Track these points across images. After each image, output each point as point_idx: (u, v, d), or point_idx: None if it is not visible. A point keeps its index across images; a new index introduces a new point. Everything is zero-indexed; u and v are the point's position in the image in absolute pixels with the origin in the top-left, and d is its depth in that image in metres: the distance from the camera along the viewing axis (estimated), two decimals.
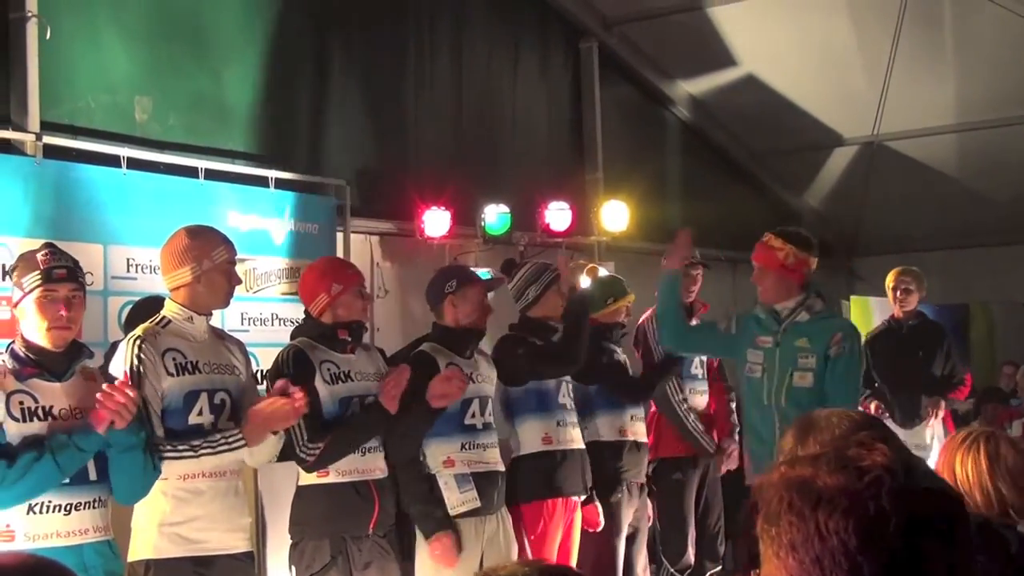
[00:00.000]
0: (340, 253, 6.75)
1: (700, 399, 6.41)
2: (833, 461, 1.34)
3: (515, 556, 5.06)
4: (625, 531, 5.82)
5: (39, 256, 3.61)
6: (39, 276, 3.57)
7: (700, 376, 6.45)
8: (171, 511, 3.93)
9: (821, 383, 4.90)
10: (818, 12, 8.87)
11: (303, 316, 4.82)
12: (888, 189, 10.32)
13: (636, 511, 5.89)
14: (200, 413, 3.98)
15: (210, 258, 4.04)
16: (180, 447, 3.92)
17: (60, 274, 3.59)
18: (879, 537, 1.28)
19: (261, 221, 6.41)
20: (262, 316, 6.30)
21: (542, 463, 5.29)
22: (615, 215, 8.51)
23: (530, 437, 5.32)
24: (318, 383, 4.53)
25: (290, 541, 4.55)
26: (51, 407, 3.53)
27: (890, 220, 10.70)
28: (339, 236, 6.97)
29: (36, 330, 3.57)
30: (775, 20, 8.97)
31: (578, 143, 9.24)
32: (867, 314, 8.71)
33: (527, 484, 5.22)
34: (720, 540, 6.49)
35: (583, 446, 5.46)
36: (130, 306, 5.11)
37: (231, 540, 4.04)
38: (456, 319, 5.07)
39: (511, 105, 8.70)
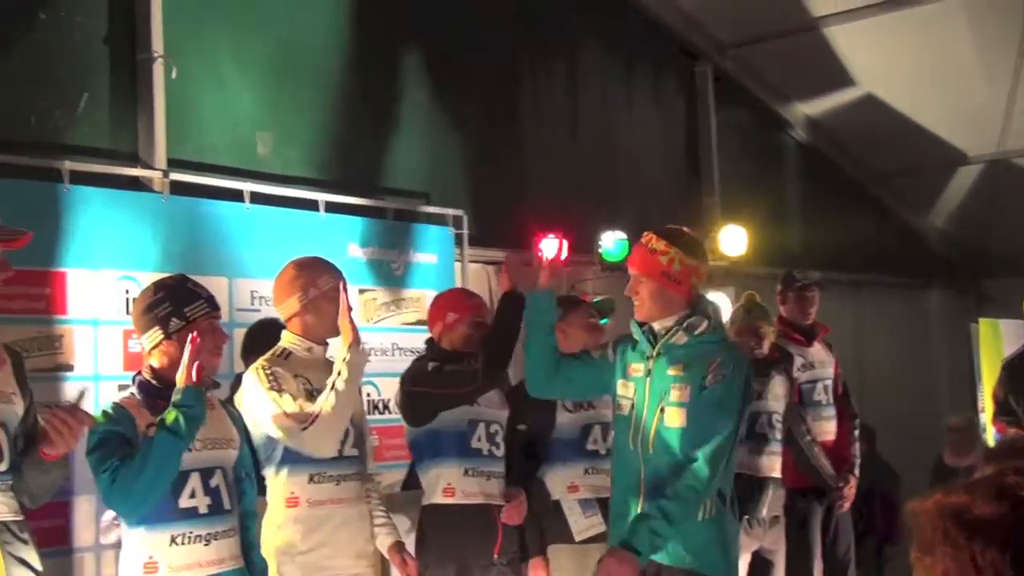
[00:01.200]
0: (458, 282, 6.79)
1: (826, 427, 6.23)
2: (990, 490, 1.28)
3: None
4: (743, 561, 5.65)
5: (190, 286, 3.66)
6: (205, 304, 3.61)
7: (825, 402, 6.27)
8: (300, 539, 3.98)
9: (696, 423, 3.92)
10: (937, 28, 8.68)
11: (425, 344, 4.87)
12: (1017, 207, 10.03)
13: (770, 541, 5.75)
14: None
15: (316, 286, 4.10)
16: (309, 475, 3.98)
17: (216, 302, 3.66)
18: None
19: (380, 252, 6.48)
20: (382, 346, 6.35)
21: None
22: (733, 239, 8.42)
23: None
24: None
25: None
26: None
27: (1021, 239, 10.40)
28: (457, 266, 7.01)
29: (199, 358, 3.59)
30: (893, 38, 8.80)
31: (694, 168, 9.18)
32: (997, 336, 8.46)
33: None
34: (851, 572, 6.31)
35: None
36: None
37: (357, 567, 4.07)
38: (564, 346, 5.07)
39: (626, 131, 8.69)
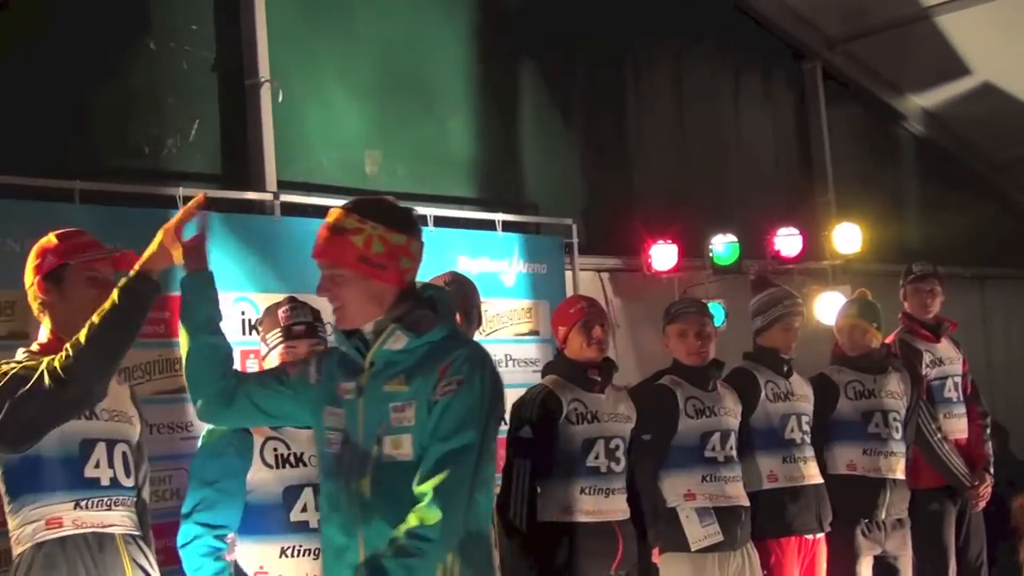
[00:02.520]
0: (569, 291, 6.77)
1: (956, 424, 6.06)
2: None
3: None
4: (865, 565, 5.51)
5: (280, 312, 3.72)
6: (280, 333, 3.69)
7: (955, 399, 6.09)
8: None
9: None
10: None
11: (555, 353, 4.88)
12: None
13: (893, 546, 5.60)
14: None
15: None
16: None
17: (299, 330, 3.69)
18: None
19: (491, 264, 6.49)
20: (496, 357, 6.33)
21: (770, 500, 5.12)
22: (848, 237, 8.25)
23: (759, 473, 5.17)
24: (562, 424, 4.55)
25: None
26: (301, 453, 3.63)
27: None
28: (567, 274, 6.99)
29: None
30: (1008, 23, 8.56)
31: (806, 166, 9.05)
32: None
33: (757, 521, 5.05)
34: (983, 575, 6.12)
35: (818, 481, 5.25)
36: None
37: None
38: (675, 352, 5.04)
39: (735, 132, 8.60)
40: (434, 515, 2.76)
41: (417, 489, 2.81)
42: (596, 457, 4.59)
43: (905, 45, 9.01)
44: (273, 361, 3.66)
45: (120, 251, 3.54)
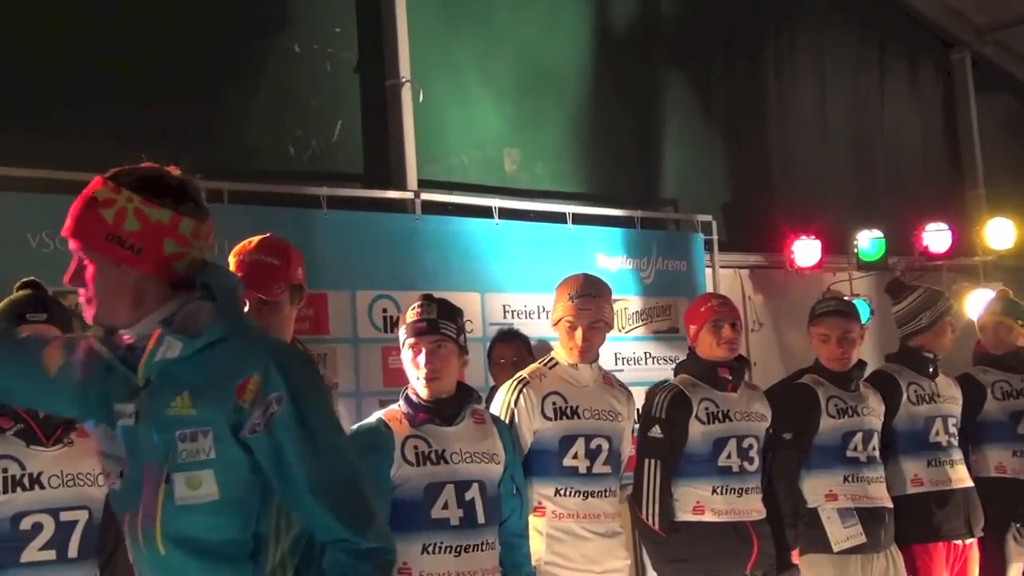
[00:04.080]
0: (710, 288, 6.72)
1: None
2: None
3: None
4: (1016, 571, 5.34)
5: (411, 311, 3.76)
6: (405, 331, 3.73)
7: None
8: (544, 549, 4.01)
9: (240, 487, 2.20)
10: None
11: (688, 351, 4.84)
12: None
13: None
14: (575, 456, 4.05)
15: (555, 310, 4.14)
16: (555, 488, 4.01)
17: (421, 327, 3.71)
18: None
19: (629, 262, 6.48)
20: (635, 355, 6.35)
21: (915, 504, 4.99)
22: (1000, 232, 8.02)
23: (902, 477, 5.05)
24: (692, 423, 4.51)
25: None
26: (443, 451, 3.66)
27: None
28: (708, 272, 6.93)
29: (413, 381, 3.74)
30: None
31: (955, 159, 8.82)
32: None
33: (902, 526, 4.93)
34: None
35: (967, 485, 5.10)
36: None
37: None
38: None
39: (880, 125, 8.42)
40: (370, 532, 2.25)
41: (330, 537, 2.24)
42: (728, 456, 4.54)
43: None
44: (405, 359, 3.67)
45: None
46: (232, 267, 3.45)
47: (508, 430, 3.88)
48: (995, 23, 8.76)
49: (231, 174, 5.30)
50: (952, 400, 5.21)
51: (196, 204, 2.31)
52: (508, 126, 6.60)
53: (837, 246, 7.41)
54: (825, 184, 7.90)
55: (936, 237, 7.63)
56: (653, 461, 4.50)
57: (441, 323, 3.69)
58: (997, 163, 8.86)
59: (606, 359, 6.06)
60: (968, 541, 5.04)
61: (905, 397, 5.10)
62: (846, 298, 5.69)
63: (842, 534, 4.74)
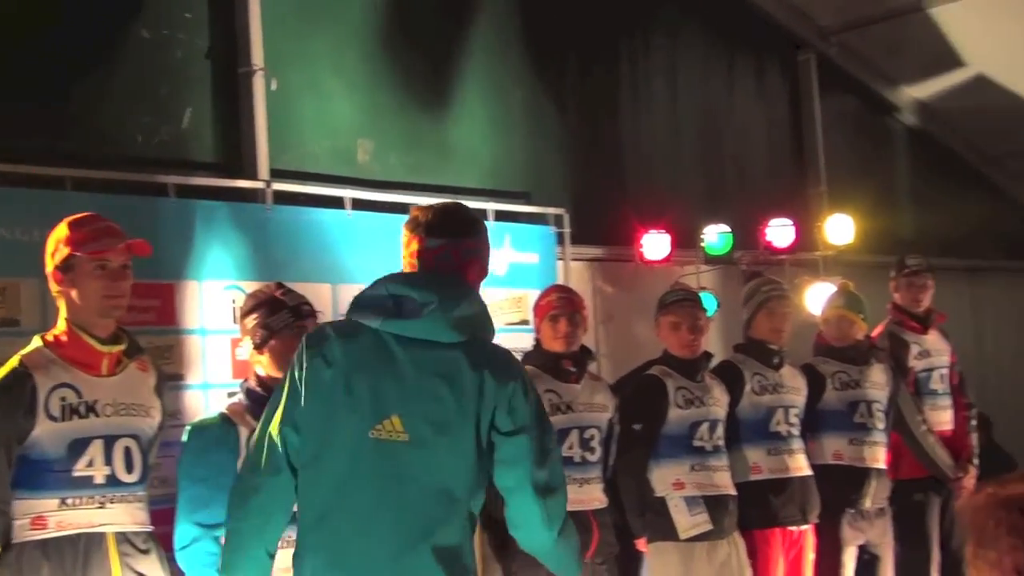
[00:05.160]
0: (561, 281, 6.79)
1: (942, 416, 6.09)
2: None
3: None
4: (850, 555, 5.55)
5: (279, 295, 3.70)
6: (289, 314, 3.66)
7: (941, 391, 6.13)
8: None
9: None
10: None
11: (534, 343, 4.89)
12: None
13: (876, 535, 5.64)
14: None
15: None
16: None
17: (308, 310, 3.69)
18: None
19: None
20: None
21: (754, 492, 5.14)
22: (840, 229, 8.27)
23: (744, 465, 5.19)
24: None
25: None
26: None
27: None
28: (559, 264, 7.01)
29: (286, 367, 3.65)
30: (1001, 15, 8.57)
31: (799, 157, 9.07)
32: None
33: (743, 512, 5.08)
34: (965, 566, 6.13)
35: (805, 474, 5.27)
36: None
37: None
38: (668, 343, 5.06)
39: (728, 124, 8.62)
40: None
41: None
42: (570, 447, 4.62)
43: (899, 37, 9.02)
44: (278, 345, 3.61)
45: (133, 239, 3.51)
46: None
47: None
48: (840, 25, 9.02)
49: (76, 161, 5.17)
50: (795, 391, 5.38)
51: None
52: (362, 117, 6.57)
53: (685, 240, 7.56)
54: (675, 180, 8.06)
55: (780, 232, 7.83)
56: None
57: (314, 310, 3.69)
58: (839, 161, 9.13)
59: None
60: (803, 527, 5.22)
61: (749, 387, 5.26)
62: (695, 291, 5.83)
63: (689, 522, 4.87)
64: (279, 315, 3.61)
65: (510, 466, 2.94)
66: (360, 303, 3.04)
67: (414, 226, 3.15)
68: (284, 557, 3.50)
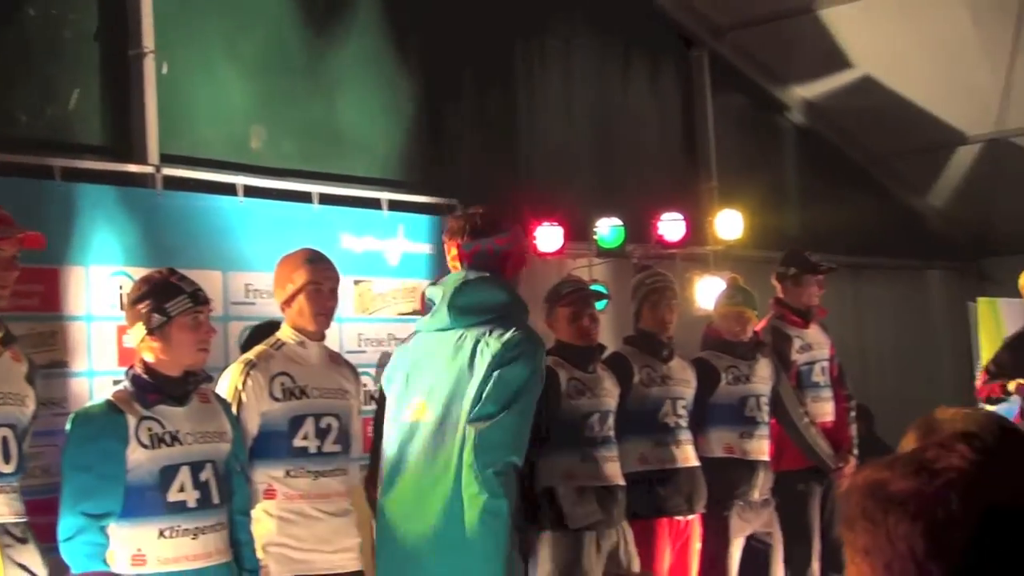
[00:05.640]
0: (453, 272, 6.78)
1: (823, 408, 6.24)
2: (909, 465, 1.30)
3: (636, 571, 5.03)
4: (737, 546, 5.66)
5: (174, 280, 3.65)
6: (188, 299, 3.61)
7: (822, 384, 6.29)
8: (276, 532, 3.99)
9: None
10: (933, 7, 8.65)
11: None
12: (1016, 186, 10.00)
13: (763, 524, 5.75)
14: (305, 437, 4.05)
15: (292, 281, 4.11)
16: (286, 469, 4.00)
17: (203, 296, 3.65)
18: (947, 543, 1.24)
19: (375, 243, 6.49)
20: (378, 336, 6.37)
21: (640, 482, 5.21)
22: (730, 224, 8.40)
23: (631, 456, 5.26)
24: None
25: None
26: (176, 432, 3.59)
27: (1019, 218, 10.37)
28: None
29: (182, 354, 3.61)
30: (889, 18, 8.78)
31: (691, 153, 9.18)
32: (996, 315, 8.46)
33: (629, 501, 5.14)
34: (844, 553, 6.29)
35: (692, 465, 5.36)
36: (248, 330, 5.24)
37: (338, 560, 4.09)
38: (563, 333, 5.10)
39: (622, 117, 8.69)
40: None
41: None
42: None
43: (790, 37, 9.17)
44: (173, 330, 3.56)
45: (28, 232, 3.44)
46: None
47: (230, 407, 3.85)
48: (733, 24, 9.14)
49: None
50: (684, 383, 5.47)
51: None
52: (255, 103, 6.50)
53: (578, 233, 7.61)
54: (568, 173, 8.10)
55: (671, 226, 7.93)
56: None
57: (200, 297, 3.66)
58: (729, 158, 9.26)
59: (350, 340, 6.09)
60: (689, 517, 5.30)
61: (637, 379, 5.32)
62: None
63: (579, 512, 4.91)
64: (177, 300, 3.57)
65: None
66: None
67: (451, 233, 3.69)
68: (171, 546, 3.47)
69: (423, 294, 5.00)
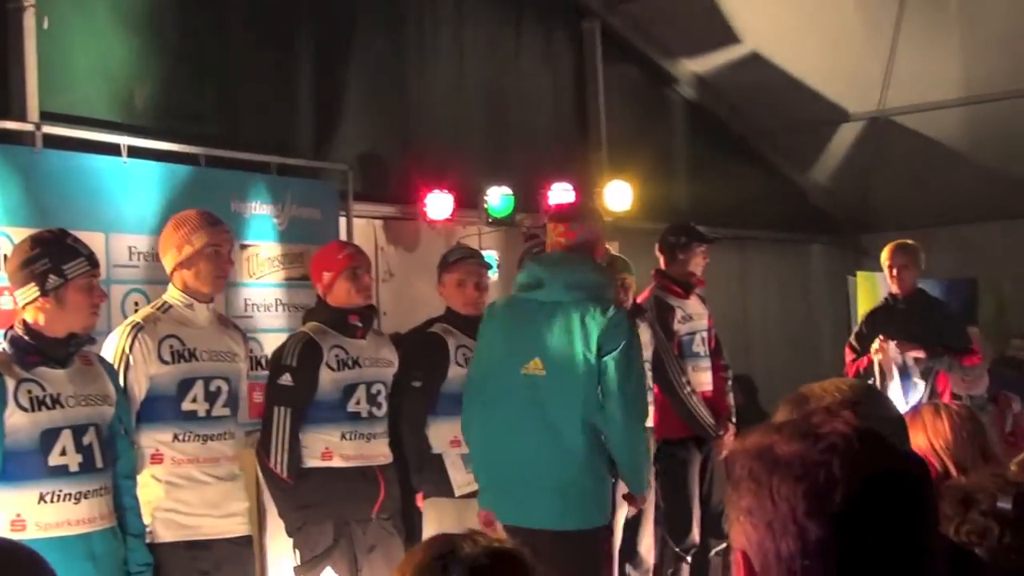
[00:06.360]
0: (343, 238, 6.74)
1: (703, 377, 6.36)
2: (795, 428, 1.34)
3: None
4: (622, 512, 5.74)
5: (70, 242, 3.58)
6: (85, 262, 3.54)
7: (702, 354, 6.40)
8: (164, 496, 3.95)
9: None
10: None
11: (316, 299, 4.84)
12: (896, 164, 10.27)
13: None
14: (195, 400, 4.00)
15: (190, 243, 4.06)
16: (173, 433, 3.94)
17: (96, 259, 3.61)
18: (827, 503, 1.28)
19: (263, 207, 6.40)
20: (265, 302, 6.29)
21: None
22: (619, 195, 8.49)
23: None
24: (323, 370, 4.55)
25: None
26: (58, 394, 3.52)
27: (898, 195, 10.64)
28: (342, 221, 6.96)
29: (75, 317, 3.54)
30: None
31: (582, 123, 9.22)
32: (874, 290, 8.66)
33: None
34: (725, 518, 6.44)
35: None
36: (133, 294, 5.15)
37: (227, 525, 4.06)
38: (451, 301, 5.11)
39: (514, 86, 8.68)
40: None
41: None
42: (357, 403, 4.62)
43: (681, 11, 9.24)
44: (69, 292, 3.49)
45: None
46: None
47: (114, 370, 3.80)
48: None
49: None
50: None
51: None
52: (140, 61, 6.34)
53: (469, 201, 7.62)
54: (460, 141, 8.08)
55: (561, 196, 7.98)
56: (282, 409, 4.52)
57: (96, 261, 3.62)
58: (619, 129, 9.32)
59: (237, 305, 6.01)
60: None
61: None
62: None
63: (465, 479, 4.94)
64: (75, 263, 3.53)
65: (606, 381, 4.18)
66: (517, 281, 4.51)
67: (550, 218, 4.58)
68: (52, 511, 3.40)
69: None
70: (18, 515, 3.45)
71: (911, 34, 8.81)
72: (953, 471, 2.89)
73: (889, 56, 9.06)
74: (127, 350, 3.93)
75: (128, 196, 5.76)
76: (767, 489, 1.31)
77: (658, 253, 6.46)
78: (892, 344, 6.31)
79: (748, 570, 1.35)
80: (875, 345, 6.34)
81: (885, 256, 6.75)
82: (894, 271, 6.67)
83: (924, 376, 6.33)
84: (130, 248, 5.72)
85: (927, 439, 2.88)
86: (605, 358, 4.19)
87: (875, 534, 1.28)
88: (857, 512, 1.28)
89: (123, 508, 3.72)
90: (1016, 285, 10.70)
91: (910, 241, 6.82)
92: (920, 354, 6.34)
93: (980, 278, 10.19)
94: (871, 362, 6.37)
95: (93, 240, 5.35)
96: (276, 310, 6.31)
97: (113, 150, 5.83)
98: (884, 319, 6.69)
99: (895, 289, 6.72)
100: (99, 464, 3.59)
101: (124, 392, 3.82)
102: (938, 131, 10.04)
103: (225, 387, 4.10)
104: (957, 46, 9.16)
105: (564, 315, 4.22)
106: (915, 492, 1.33)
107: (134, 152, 5.91)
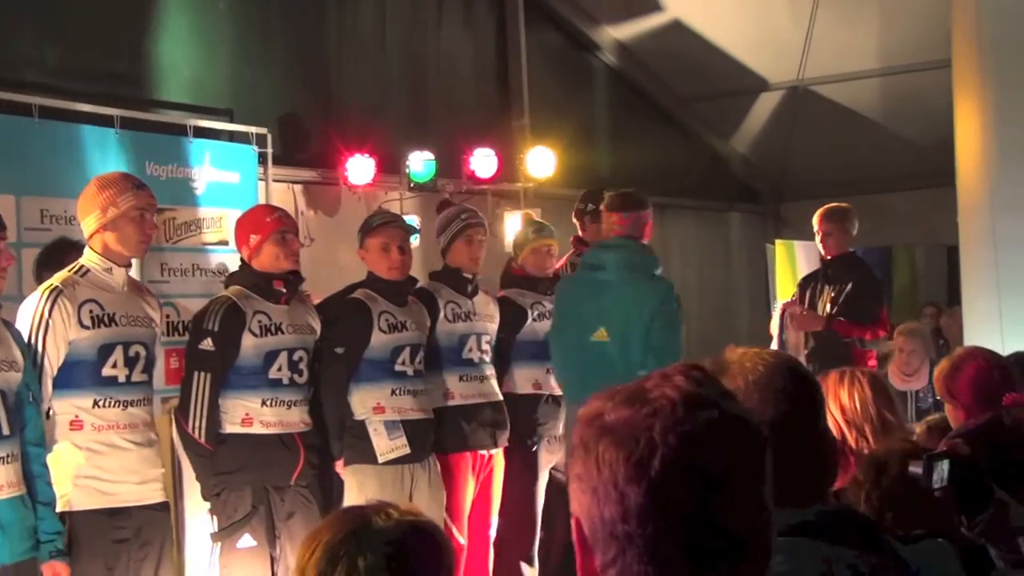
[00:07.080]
0: (262, 202, 6.64)
1: None
2: (628, 394, 1.33)
3: (443, 504, 5.07)
4: (543, 480, 5.76)
5: None
6: None
7: None
8: (85, 463, 3.88)
9: None
10: None
11: (239, 263, 4.76)
12: (814, 133, 10.37)
13: (563, 461, 5.85)
14: (115, 366, 3.94)
15: (116, 205, 3.97)
16: (93, 399, 3.87)
17: (3, 222, 3.52)
18: (645, 469, 1.27)
19: (180, 170, 6.27)
20: (182, 267, 6.18)
21: (448, 416, 5.24)
22: (541, 161, 8.48)
23: (440, 391, 5.27)
24: (245, 335, 4.48)
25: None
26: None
27: (816, 164, 10.77)
28: (260, 185, 6.85)
29: None
30: None
31: (504, 89, 9.18)
32: (791, 257, 8.77)
33: (437, 436, 5.16)
34: None
35: (495, 400, 5.40)
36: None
37: (145, 492, 4.01)
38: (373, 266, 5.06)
39: (436, 51, 8.62)
40: None
41: None
42: (279, 369, 4.57)
43: None
44: None
45: None
46: None
47: (21, 335, 3.72)
48: None
49: None
50: (488, 318, 5.49)
51: None
52: (53, 20, 6.18)
53: (390, 166, 7.55)
54: (381, 106, 8.01)
55: (483, 162, 7.95)
56: (203, 374, 4.45)
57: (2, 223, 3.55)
58: (541, 96, 9.29)
59: (154, 270, 5.90)
60: (493, 451, 5.36)
61: (443, 314, 5.32)
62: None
63: (387, 446, 4.90)
64: None
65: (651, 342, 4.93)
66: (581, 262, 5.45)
67: (607, 206, 5.33)
68: None
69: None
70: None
71: (830, 5, 8.90)
72: (851, 438, 2.94)
73: (808, 26, 9.15)
74: (46, 314, 3.84)
75: (40, 158, 5.61)
76: (593, 455, 1.31)
77: (575, 219, 6.45)
78: (784, 313, 6.52)
79: (580, 535, 1.35)
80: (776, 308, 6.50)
81: (815, 220, 6.78)
82: (820, 236, 6.73)
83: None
84: (43, 211, 5.58)
85: (828, 404, 2.92)
86: (652, 323, 4.96)
87: (692, 501, 1.28)
88: (673, 478, 1.27)
89: (32, 476, 3.64)
90: (929, 254, 10.89)
91: (844, 205, 6.81)
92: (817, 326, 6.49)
93: (895, 247, 10.35)
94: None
95: (4, 203, 5.24)
96: (194, 275, 6.21)
97: (24, 110, 5.68)
98: (810, 283, 6.77)
99: (822, 252, 6.79)
100: (5, 431, 3.51)
101: (34, 358, 3.74)
102: (856, 101, 10.16)
103: (143, 352, 4.04)
104: (875, 17, 9.28)
105: (621, 290, 5.03)
106: (742, 459, 1.31)
107: (46, 113, 5.76)
